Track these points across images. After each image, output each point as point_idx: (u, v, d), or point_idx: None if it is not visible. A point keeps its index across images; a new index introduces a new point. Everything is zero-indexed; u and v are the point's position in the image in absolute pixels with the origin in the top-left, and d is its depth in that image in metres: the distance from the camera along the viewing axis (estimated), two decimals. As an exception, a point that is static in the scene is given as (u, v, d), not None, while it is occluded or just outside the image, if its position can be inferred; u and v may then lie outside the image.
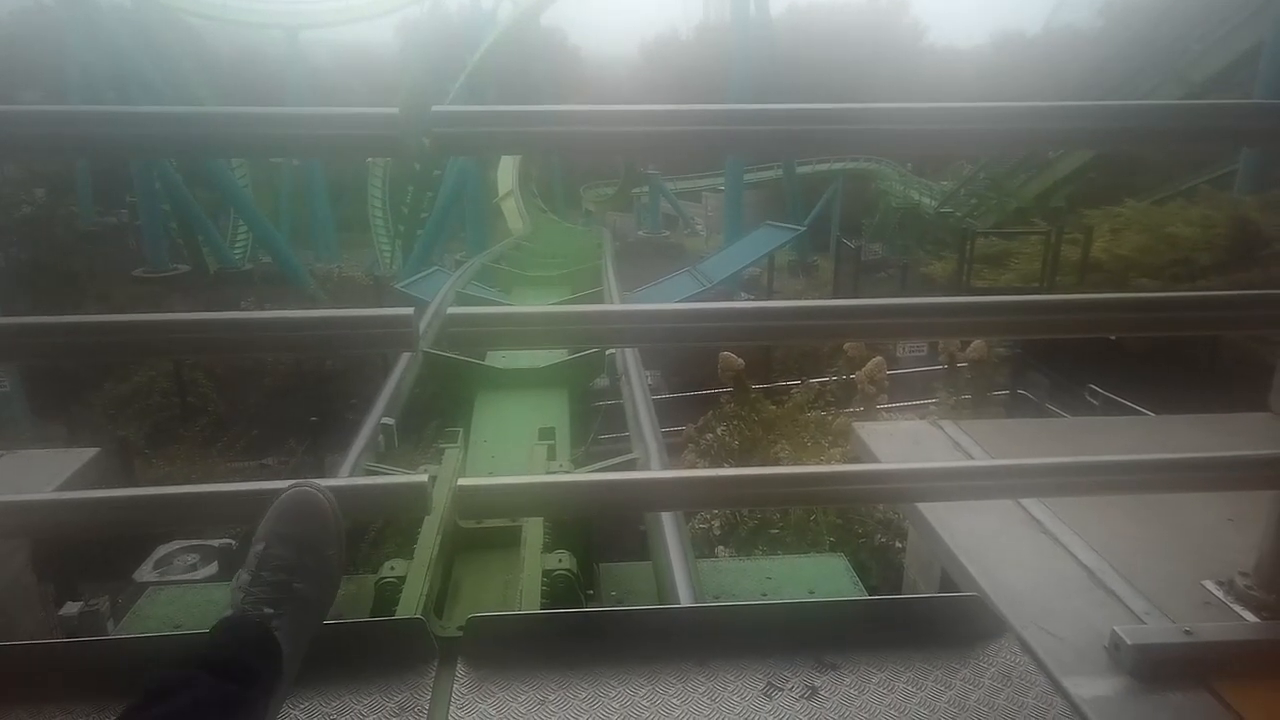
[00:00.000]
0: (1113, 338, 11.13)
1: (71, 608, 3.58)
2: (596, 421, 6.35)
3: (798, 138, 1.63)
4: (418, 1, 30.30)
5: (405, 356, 5.47)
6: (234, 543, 5.95)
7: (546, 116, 1.51)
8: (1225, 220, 15.43)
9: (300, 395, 12.69)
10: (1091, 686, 1.67)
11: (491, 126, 1.51)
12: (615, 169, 34.48)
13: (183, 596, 3.26)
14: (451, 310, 1.74)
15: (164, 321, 1.67)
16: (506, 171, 23.84)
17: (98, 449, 2.74)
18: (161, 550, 5.90)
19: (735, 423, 8.45)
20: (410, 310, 1.67)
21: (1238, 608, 1.88)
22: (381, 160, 25.73)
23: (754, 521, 6.36)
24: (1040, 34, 43.57)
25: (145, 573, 5.70)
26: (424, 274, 15.08)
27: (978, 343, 9.75)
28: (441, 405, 5.82)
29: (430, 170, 24.78)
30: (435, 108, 1.45)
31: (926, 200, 28.82)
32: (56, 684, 1.67)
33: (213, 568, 5.54)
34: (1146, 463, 1.91)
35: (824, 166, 31.25)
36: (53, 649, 1.78)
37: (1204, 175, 21.16)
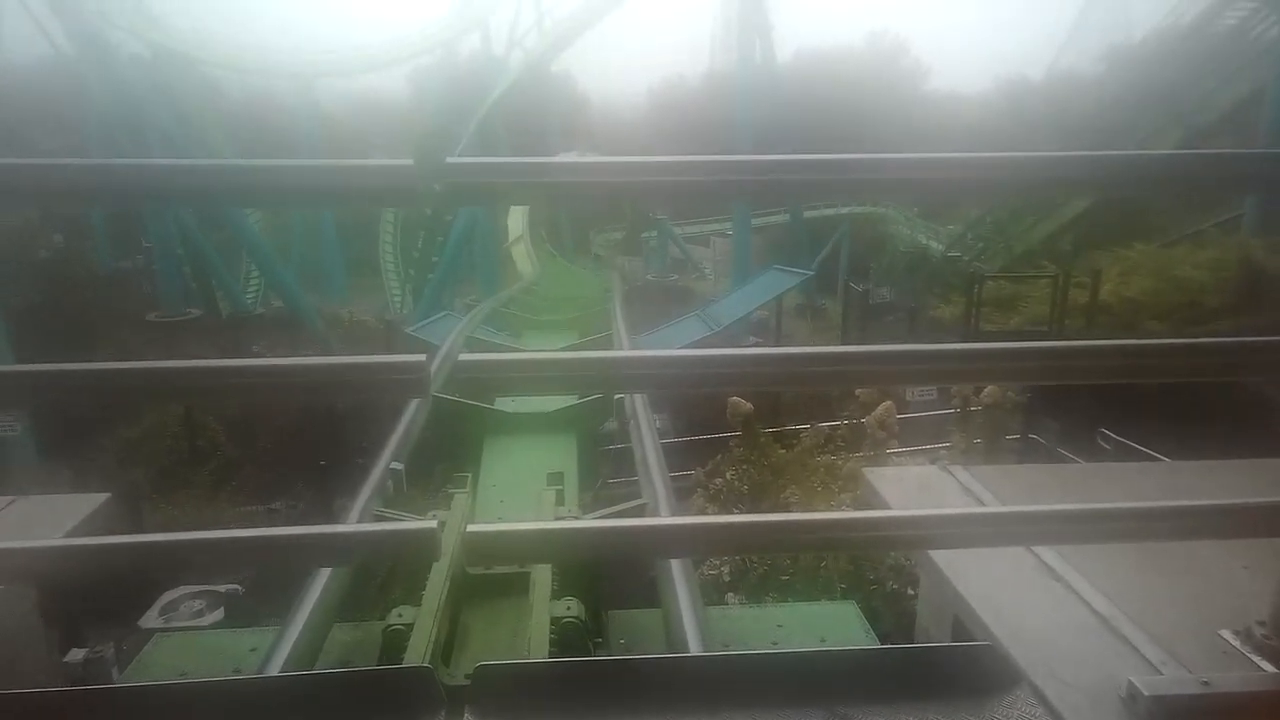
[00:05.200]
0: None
1: (76, 654, 3.55)
2: (606, 466, 6.33)
3: (800, 187, 1.66)
4: (430, 51, 30.92)
5: (415, 400, 5.49)
6: (240, 588, 5.93)
7: (558, 169, 1.54)
8: (1233, 264, 15.46)
9: (309, 439, 12.70)
10: (1109, 739, 1.64)
11: (504, 178, 1.54)
12: (624, 213, 34.81)
13: (189, 643, 3.24)
14: (463, 357, 1.76)
15: (179, 369, 1.69)
16: (516, 217, 24.10)
17: (108, 494, 2.76)
18: (168, 596, 5.88)
19: (744, 467, 8.43)
20: (423, 357, 1.68)
21: (1255, 658, 1.85)
22: (391, 210, 26.05)
23: (764, 568, 6.31)
24: (1043, 79, 44.07)
25: (151, 619, 5.68)
26: (435, 318, 15.17)
27: (991, 387, 9.74)
28: (450, 449, 5.82)
29: (441, 215, 25.05)
30: (450, 159, 1.47)
31: (934, 244, 28.94)
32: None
33: (219, 614, 5.51)
34: (1160, 510, 1.90)
35: (831, 211, 31.47)
36: (58, 698, 1.77)
37: (1211, 219, 21.24)
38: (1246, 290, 14.48)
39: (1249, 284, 14.60)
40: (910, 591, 5.38)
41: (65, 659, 3.52)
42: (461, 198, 1.57)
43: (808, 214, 29.74)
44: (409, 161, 1.49)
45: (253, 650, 3.03)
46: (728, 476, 8.45)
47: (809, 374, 1.94)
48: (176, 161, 1.61)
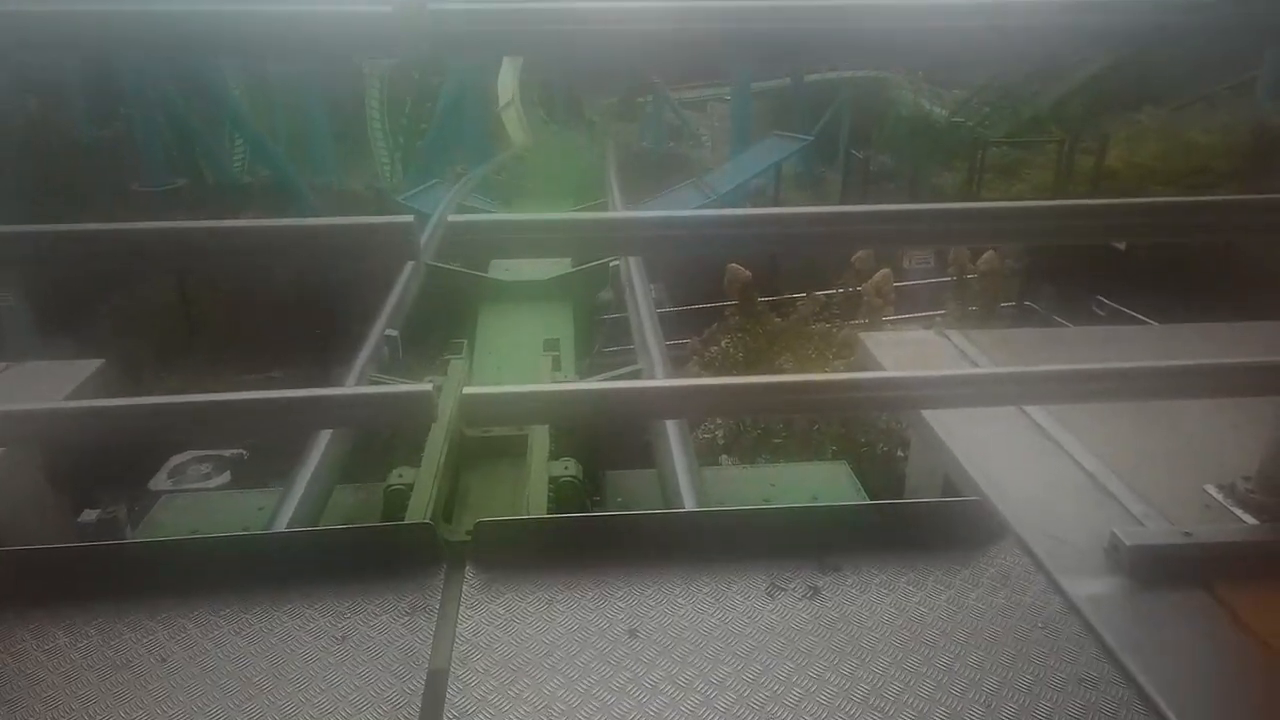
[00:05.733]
0: (1122, 248, 11.01)
1: (89, 515, 3.65)
2: (602, 335, 6.35)
3: (812, 36, 1.57)
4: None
5: (407, 270, 5.43)
6: (245, 453, 6.04)
7: (549, 15, 1.45)
8: (1246, 127, 15.07)
9: (305, 309, 12.67)
10: (1089, 586, 1.70)
11: (492, 26, 1.45)
12: (619, 79, 33.51)
13: (196, 504, 3.33)
14: (453, 218, 1.71)
15: (165, 230, 1.65)
16: (507, 80, 23.22)
17: (102, 360, 2.75)
18: (175, 460, 6.00)
19: (740, 335, 8.47)
20: (410, 218, 1.64)
21: (1238, 511, 1.90)
22: (378, 72, 25.05)
23: (757, 431, 6.43)
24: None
25: (160, 481, 5.81)
26: (424, 187, 14.87)
27: (989, 254, 9.67)
28: (445, 320, 5.81)
29: (429, 81, 24.14)
30: (432, 6, 1.39)
31: (938, 110, 28.04)
32: (76, 586, 1.71)
33: (225, 477, 5.64)
34: (1151, 370, 1.90)
35: (833, 75, 30.32)
36: (71, 553, 1.82)
37: (1225, 81, 20.52)
38: (1260, 154, 14.17)
39: (1261, 148, 14.28)
40: (901, 454, 5.51)
41: (79, 520, 3.61)
42: (445, 46, 1.48)
43: (809, 78, 28.66)
44: (388, 8, 1.41)
45: (260, 509, 3.11)
46: (723, 344, 8.50)
47: (807, 234, 1.90)
48: (147, 7, 1.50)
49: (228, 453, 5.89)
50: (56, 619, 1.63)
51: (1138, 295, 10.09)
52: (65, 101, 26.30)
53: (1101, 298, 10.61)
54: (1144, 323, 8.93)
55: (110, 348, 10.93)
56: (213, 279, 13.57)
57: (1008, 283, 10.84)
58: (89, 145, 24.91)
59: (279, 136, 26.21)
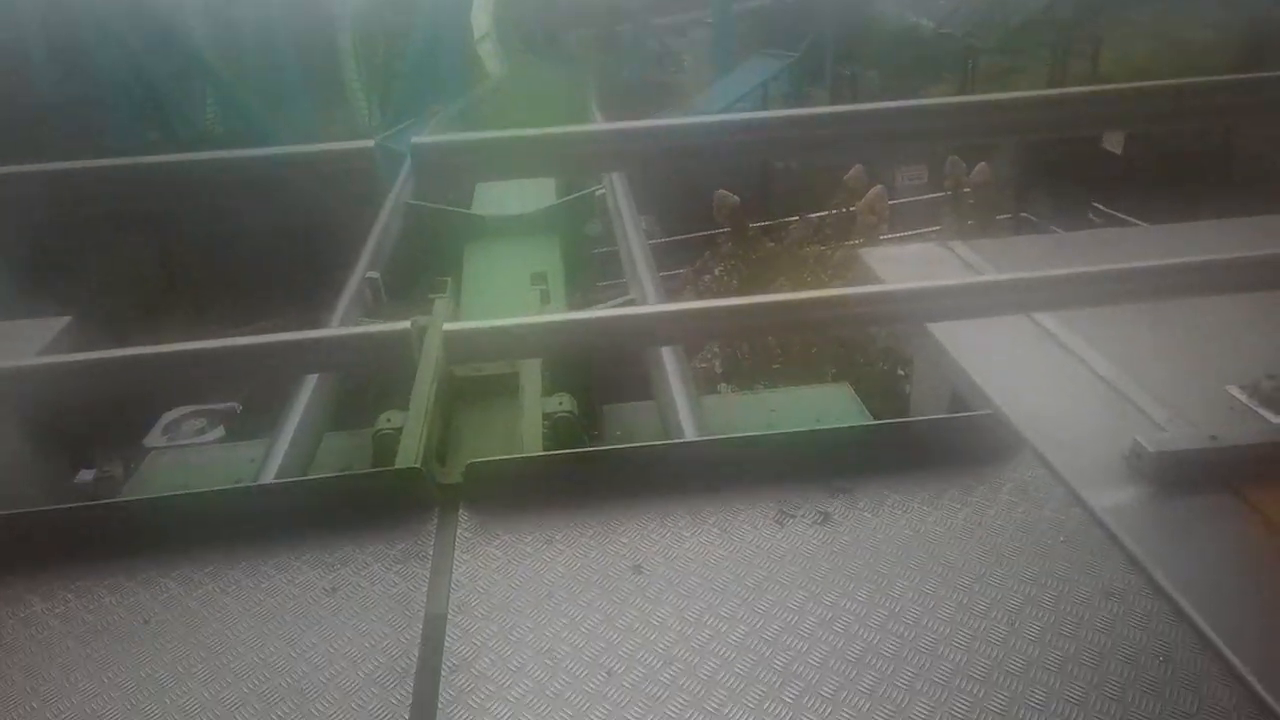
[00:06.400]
0: (1118, 153, 10.80)
1: (86, 475, 3.58)
2: (593, 269, 6.21)
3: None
4: None
5: (387, 210, 5.26)
6: (238, 406, 5.96)
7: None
8: (1241, 22, 14.66)
9: (285, 257, 12.47)
10: (1111, 496, 1.63)
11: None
12: (596, 9, 32.51)
13: (185, 459, 3.25)
14: (417, 140, 1.59)
15: (127, 165, 1.56)
16: (482, 10, 22.52)
17: (69, 317, 2.63)
18: (169, 416, 5.92)
19: (733, 263, 8.33)
20: (370, 142, 1.53)
21: (1264, 411, 1.83)
22: (349, 13, 24.35)
23: (755, 358, 6.35)
24: None
25: (155, 438, 5.73)
26: (401, 127, 14.53)
27: (981, 166, 9.47)
28: (429, 261, 5.67)
29: (403, 19, 23.45)
30: None
31: (924, 21, 27.34)
32: (50, 552, 1.63)
33: (219, 431, 5.56)
34: (1166, 268, 1.81)
35: (816, -12, 29.47)
36: (43, 517, 1.73)
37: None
38: (1254, 49, 13.82)
39: (1257, 42, 13.92)
40: (902, 372, 5.44)
41: (75, 480, 3.53)
42: None
43: (791, -7, 27.84)
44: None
45: (250, 461, 3.02)
46: (716, 273, 8.36)
47: (801, 139, 1.78)
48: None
49: (221, 406, 5.80)
50: (31, 586, 1.56)
51: (1135, 200, 9.91)
52: (27, 62, 25.51)
53: (1098, 204, 10.44)
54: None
55: (85, 305, 10.77)
56: (188, 236, 13.34)
57: (1002, 195, 10.64)
58: (55, 104, 24.24)
59: (251, 85, 25.54)
